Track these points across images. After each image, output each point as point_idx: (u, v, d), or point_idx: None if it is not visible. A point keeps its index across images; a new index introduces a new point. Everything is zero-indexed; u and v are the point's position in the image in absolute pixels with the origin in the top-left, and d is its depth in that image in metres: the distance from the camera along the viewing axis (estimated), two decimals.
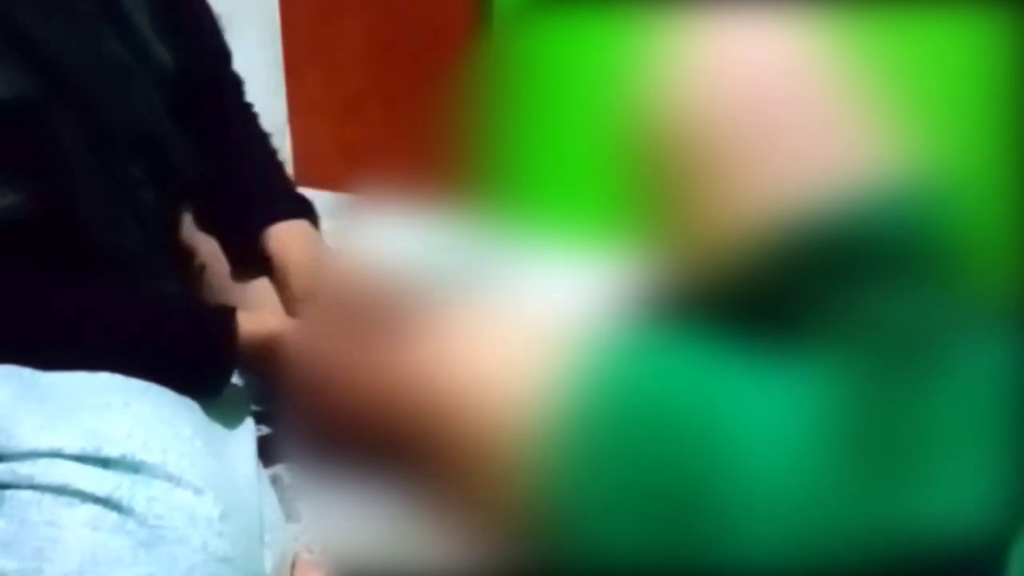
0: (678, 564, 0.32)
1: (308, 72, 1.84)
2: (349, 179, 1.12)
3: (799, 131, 0.34)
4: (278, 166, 1.11)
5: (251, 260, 1.01)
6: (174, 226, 0.99)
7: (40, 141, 0.80)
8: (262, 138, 1.12)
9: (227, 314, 0.87)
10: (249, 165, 1.08)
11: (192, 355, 0.85)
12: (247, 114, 1.13)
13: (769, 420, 0.32)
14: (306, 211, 1.04)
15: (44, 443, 0.71)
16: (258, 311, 0.91)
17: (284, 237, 1.00)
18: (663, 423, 0.33)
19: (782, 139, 0.34)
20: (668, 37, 0.36)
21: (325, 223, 1.06)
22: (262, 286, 1.00)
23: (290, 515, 0.92)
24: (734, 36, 0.35)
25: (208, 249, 1.04)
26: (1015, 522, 0.31)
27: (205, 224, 1.06)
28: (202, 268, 1.02)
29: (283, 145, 1.47)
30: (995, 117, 0.35)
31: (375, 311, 0.41)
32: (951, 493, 0.31)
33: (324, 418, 0.39)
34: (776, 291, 0.33)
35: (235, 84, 1.13)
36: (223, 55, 1.10)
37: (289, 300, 0.97)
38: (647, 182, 0.36)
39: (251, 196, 1.05)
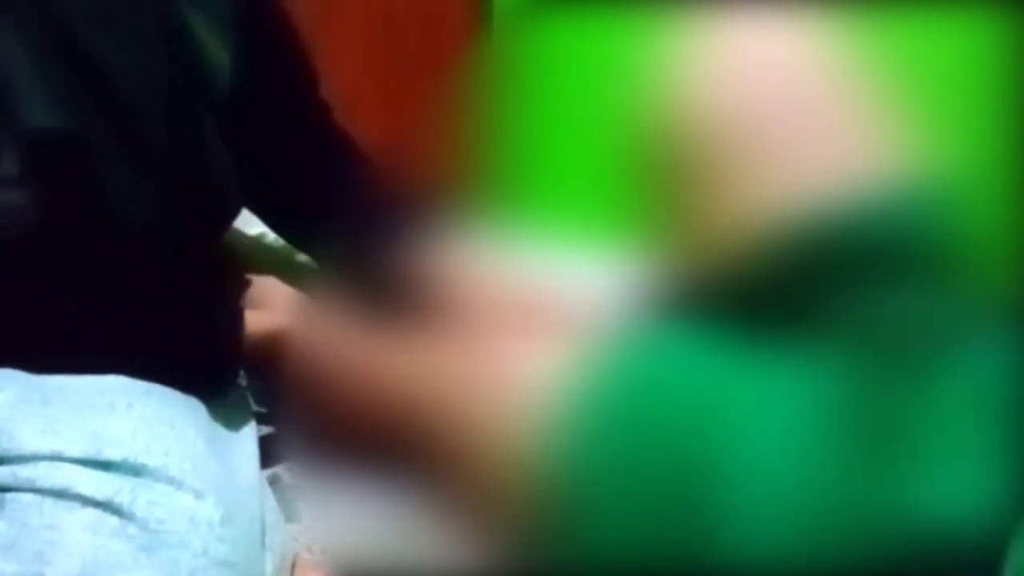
0: (680, 556, 0.32)
1: None
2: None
3: (805, 131, 0.34)
4: (379, 190, 0.99)
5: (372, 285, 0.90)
6: (216, 256, 0.95)
7: (79, 166, 0.79)
8: (364, 162, 1.01)
9: (233, 313, 0.86)
10: (347, 194, 0.98)
11: (198, 354, 0.85)
12: (335, 140, 1.02)
13: (771, 416, 0.32)
14: (413, 227, 0.97)
15: (45, 446, 0.71)
16: (263, 310, 0.91)
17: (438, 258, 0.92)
18: (666, 418, 0.33)
19: (788, 139, 0.34)
20: (675, 37, 0.36)
21: None
22: (265, 286, 1.00)
23: (290, 515, 0.92)
24: (741, 37, 0.35)
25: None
26: (1012, 519, 0.31)
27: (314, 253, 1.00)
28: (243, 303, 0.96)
29: None
30: (998, 118, 0.35)
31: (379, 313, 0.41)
32: (949, 490, 0.31)
33: (328, 417, 0.39)
34: (781, 289, 0.33)
35: (322, 110, 1.03)
36: (306, 79, 1.01)
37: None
38: (653, 181, 0.36)
39: (362, 227, 0.94)
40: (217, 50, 0.88)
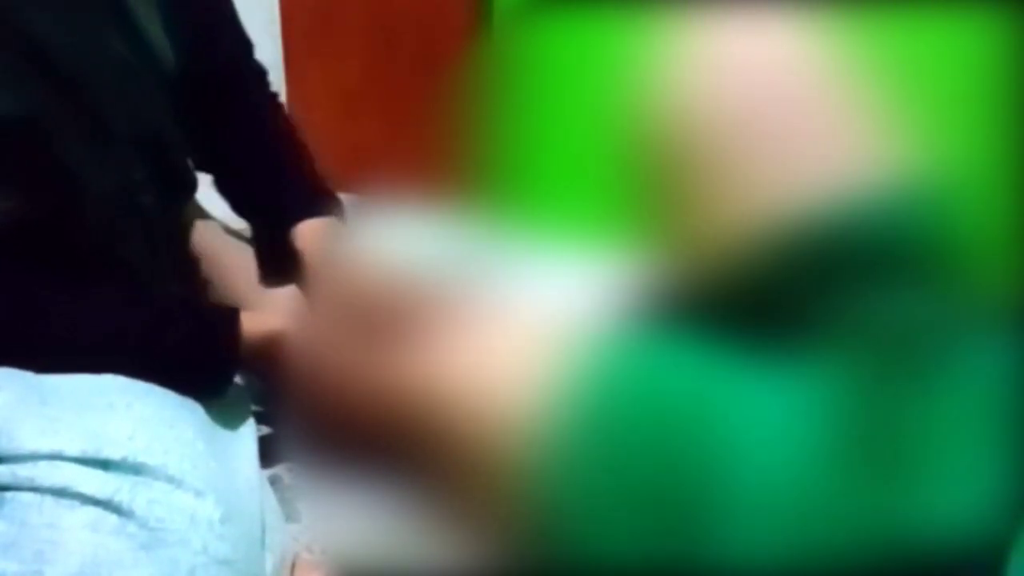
0: (674, 563, 0.32)
1: (308, 71, 1.84)
2: (349, 179, 1.11)
3: (799, 132, 0.34)
4: (306, 158, 1.08)
5: (279, 260, 0.99)
6: (176, 230, 0.99)
7: (43, 150, 0.80)
8: (289, 130, 1.09)
9: (230, 314, 0.86)
10: (274, 160, 1.06)
11: (195, 356, 0.85)
12: (273, 105, 1.10)
13: (766, 421, 0.32)
14: (333, 206, 1.02)
15: (45, 445, 0.71)
16: (260, 311, 0.91)
17: (310, 236, 0.98)
18: (660, 423, 0.33)
19: (782, 140, 0.34)
20: (670, 37, 0.36)
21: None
22: (262, 290, 1.00)
23: (290, 515, 0.92)
24: (735, 37, 0.35)
25: (211, 251, 1.03)
26: (1014, 523, 0.31)
27: (244, 215, 1.05)
28: (206, 281, 1.01)
29: None
30: (995, 118, 0.35)
31: (378, 310, 0.41)
32: (950, 494, 0.31)
33: (325, 417, 0.39)
34: (776, 292, 0.33)
35: (258, 74, 1.10)
36: (242, 46, 1.08)
37: (312, 300, 0.95)
38: (647, 182, 0.36)
39: (278, 193, 1.03)
40: (157, 32, 0.91)
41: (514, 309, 0.39)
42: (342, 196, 1.06)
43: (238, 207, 1.06)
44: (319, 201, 1.02)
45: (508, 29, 0.42)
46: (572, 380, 0.34)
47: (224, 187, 1.07)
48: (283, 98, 1.17)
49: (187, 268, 0.99)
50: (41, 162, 0.80)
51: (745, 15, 0.35)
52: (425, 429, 0.36)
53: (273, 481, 0.93)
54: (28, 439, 0.71)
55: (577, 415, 0.33)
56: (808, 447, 0.31)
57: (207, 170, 1.05)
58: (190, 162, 0.97)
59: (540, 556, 0.33)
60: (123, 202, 0.86)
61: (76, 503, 0.69)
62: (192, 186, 0.98)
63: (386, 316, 0.40)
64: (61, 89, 0.80)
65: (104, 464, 0.71)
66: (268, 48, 1.59)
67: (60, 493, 0.69)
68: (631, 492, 0.32)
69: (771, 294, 0.33)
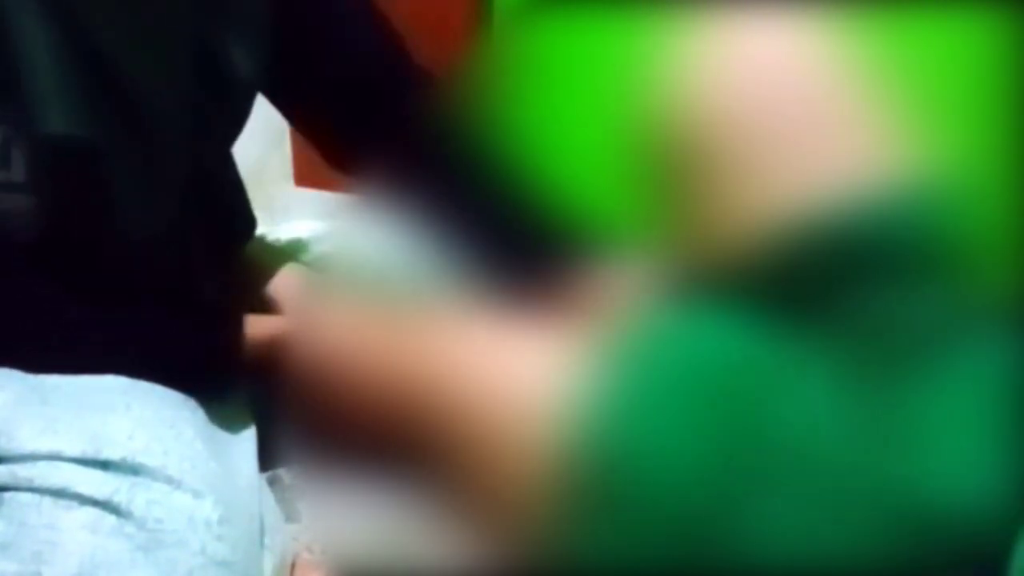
0: (706, 547, 0.32)
1: None
2: (349, 179, 1.11)
3: (807, 131, 0.34)
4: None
5: None
6: (229, 270, 0.93)
7: (89, 175, 0.78)
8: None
9: (234, 315, 0.86)
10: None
11: (199, 356, 0.85)
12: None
13: (805, 398, 0.32)
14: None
15: (44, 445, 0.71)
16: (266, 315, 0.91)
17: None
18: (689, 408, 0.33)
19: (789, 139, 0.34)
20: (677, 36, 0.36)
21: (324, 224, 1.05)
22: (275, 288, 0.99)
23: (290, 515, 0.92)
24: (744, 35, 0.35)
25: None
26: (1017, 519, 0.31)
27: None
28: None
29: (283, 145, 1.46)
30: (1001, 119, 0.35)
31: (388, 308, 0.41)
32: (952, 491, 0.31)
33: (328, 418, 0.39)
34: (785, 289, 0.33)
35: (408, 78, 0.97)
36: (384, 53, 0.96)
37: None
38: (654, 184, 0.36)
39: None
40: (246, 65, 0.85)
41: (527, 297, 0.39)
42: (341, 196, 1.05)
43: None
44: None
45: (509, 29, 0.42)
46: (592, 371, 0.34)
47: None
48: None
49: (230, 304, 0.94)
50: (85, 186, 0.78)
51: (753, 15, 0.35)
52: (435, 426, 0.36)
53: (273, 481, 0.93)
54: (27, 439, 0.71)
55: (596, 406, 0.33)
56: (831, 436, 0.31)
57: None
58: (246, 209, 0.92)
59: (549, 556, 0.33)
60: (164, 241, 0.83)
61: (75, 504, 0.69)
62: (250, 227, 0.95)
63: (390, 313, 0.40)
64: (121, 118, 0.78)
65: (103, 464, 0.71)
66: None
67: (59, 494, 0.69)
68: (662, 483, 0.32)
69: (780, 291, 0.33)
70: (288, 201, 1.33)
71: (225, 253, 0.92)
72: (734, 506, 0.32)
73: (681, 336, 0.34)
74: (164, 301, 0.84)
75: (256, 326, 0.86)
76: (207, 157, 0.86)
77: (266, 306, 0.94)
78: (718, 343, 0.33)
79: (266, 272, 0.99)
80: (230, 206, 0.90)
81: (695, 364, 0.33)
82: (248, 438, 0.89)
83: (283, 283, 0.98)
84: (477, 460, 0.34)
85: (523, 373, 0.35)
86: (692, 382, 0.33)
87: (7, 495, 0.70)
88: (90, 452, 0.71)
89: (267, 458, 0.91)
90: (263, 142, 1.23)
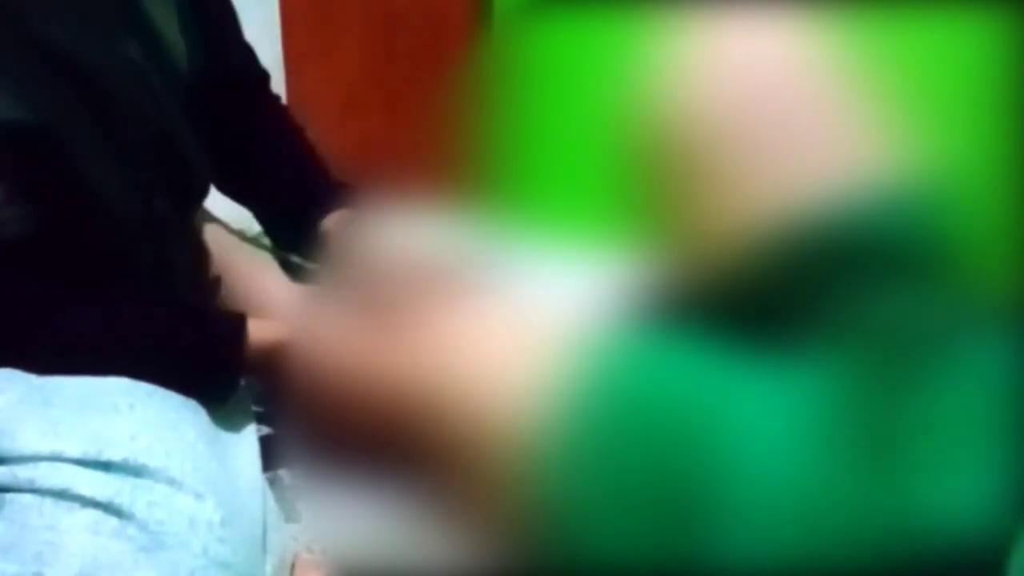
0: (674, 563, 0.32)
1: (308, 69, 1.84)
2: (349, 177, 1.12)
3: (800, 132, 0.34)
4: (318, 156, 1.12)
5: (308, 253, 1.02)
6: (190, 233, 0.99)
7: (58, 157, 0.79)
8: (299, 128, 1.12)
9: (236, 322, 0.86)
10: (296, 157, 1.10)
11: (201, 362, 0.84)
12: (279, 107, 1.14)
13: (767, 420, 0.32)
14: (355, 196, 1.05)
15: (46, 447, 0.71)
16: (266, 319, 0.91)
17: (336, 226, 1.01)
18: (660, 422, 0.32)
19: (782, 140, 0.34)
20: (670, 37, 0.36)
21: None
22: (271, 292, 1.00)
23: (290, 515, 0.92)
24: (735, 36, 0.35)
25: (218, 253, 1.03)
26: (1015, 524, 0.31)
27: (259, 217, 1.08)
28: (218, 279, 1.01)
29: None
30: (995, 118, 0.35)
31: (394, 291, 0.41)
32: (950, 495, 0.31)
33: (328, 419, 0.39)
34: (775, 292, 0.33)
35: (265, 79, 1.14)
36: (248, 51, 1.11)
37: (334, 285, 0.95)
38: (647, 182, 0.36)
39: (307, 188, 1.06)
40: (174, 38, 0.91)
41: (513, 306, 0.39)
42: None
43: (263, 207, 1.09)
44: (343, 192, 1.05)
45: (508, 28, 0.42)
46: (573, 378, 0.33)
47: (244, 189, 1.10)
48: (283, 96, 1.17)
49: (200, 270, 0.99)
50: (56, 169, 0.79)
51: (746, 16, 0.35)
52: (428, 426, 0.36)
53: (273, 481, 0.93)
54: (29, 440, 0.71)
55: (577, 414, 0.33)
56: (808, 446, 0.31)
57: (226, 174, 1.07)
58: (202, 164, 0.97)
59: (540, 556, 0.33)
60: (138, 207, 0.85)
61: (76, 505, 0.69)
62: (205, 189, 0.99)
63: (400, 298, 0.40)
64: (76, 95, 0.80)
65: (105, 466, 0.71)
66: (268, 48, 1.59)
67: (60, 495, 0.69)
68: (630, 489, 0.32)
69: (771, 294, 0.33)
70: None
71: (187, 213, 0.98)
72: (687, 521, 0.31)
73: (644, 354, 0.34)
74: (147, 273, 0.87)
75: (258, 331, 0.86)
76: (159, 122, 0.88)
77: (258, 311, 0.96)
78: (669, 369, 0.33)
79: (240, 260, 1.03)
80: (188, 167, 0.94)
81: (642, 390, 0.33)
82: (250, 439, 0.89)
83: (276, 290, 1.00)
84: (458, 458, 0.35)
85: (497, 375, 0.35)
86: (646, 400, 0.32)
87: (8, 496, 0.70)
88: (92, 453, 0.71)
89: (268, 459, 0.91)
90: None
